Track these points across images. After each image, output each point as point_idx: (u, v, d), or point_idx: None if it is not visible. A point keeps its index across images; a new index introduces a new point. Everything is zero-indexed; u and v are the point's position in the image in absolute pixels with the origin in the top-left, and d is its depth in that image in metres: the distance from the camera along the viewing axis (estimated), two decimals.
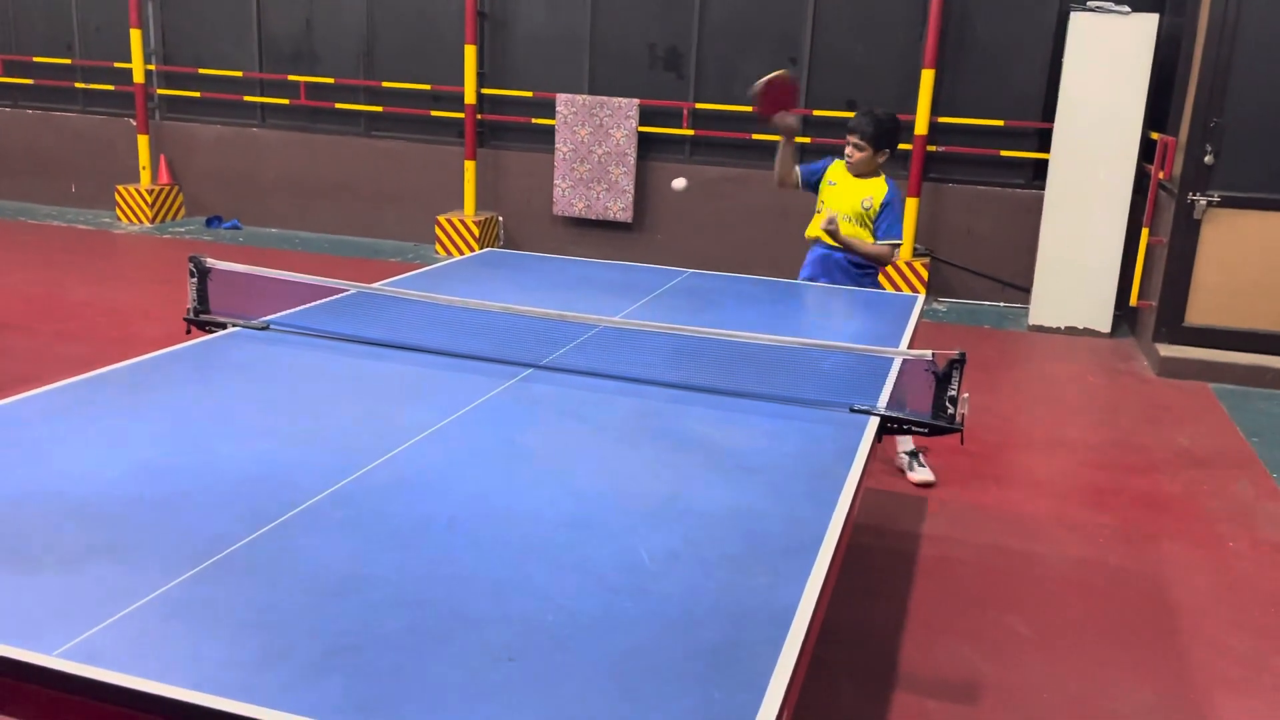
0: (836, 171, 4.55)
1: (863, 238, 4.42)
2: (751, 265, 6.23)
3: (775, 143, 4.62)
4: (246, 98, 9.67)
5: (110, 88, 9.98)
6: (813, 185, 4.58)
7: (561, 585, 1.65)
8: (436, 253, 8.94)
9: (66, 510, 1.81)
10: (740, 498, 2.04)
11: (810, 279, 4.50)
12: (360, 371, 2.70)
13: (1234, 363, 6.36)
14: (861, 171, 4.46)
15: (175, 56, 9.82)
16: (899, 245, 4.49)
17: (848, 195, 4.46)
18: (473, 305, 3.06)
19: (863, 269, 4.47)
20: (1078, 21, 7.06)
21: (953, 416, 2.52)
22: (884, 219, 4.41)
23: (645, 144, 8.63)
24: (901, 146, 7.93)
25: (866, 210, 4.41)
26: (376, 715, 1.31)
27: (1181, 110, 6.77)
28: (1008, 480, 4.68)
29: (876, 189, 4.44)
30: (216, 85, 9.72)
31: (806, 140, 7.63)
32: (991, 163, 8.04)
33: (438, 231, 8.86)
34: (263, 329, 2.97)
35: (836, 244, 4.40)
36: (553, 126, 8.73)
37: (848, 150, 4.46)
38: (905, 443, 4.57)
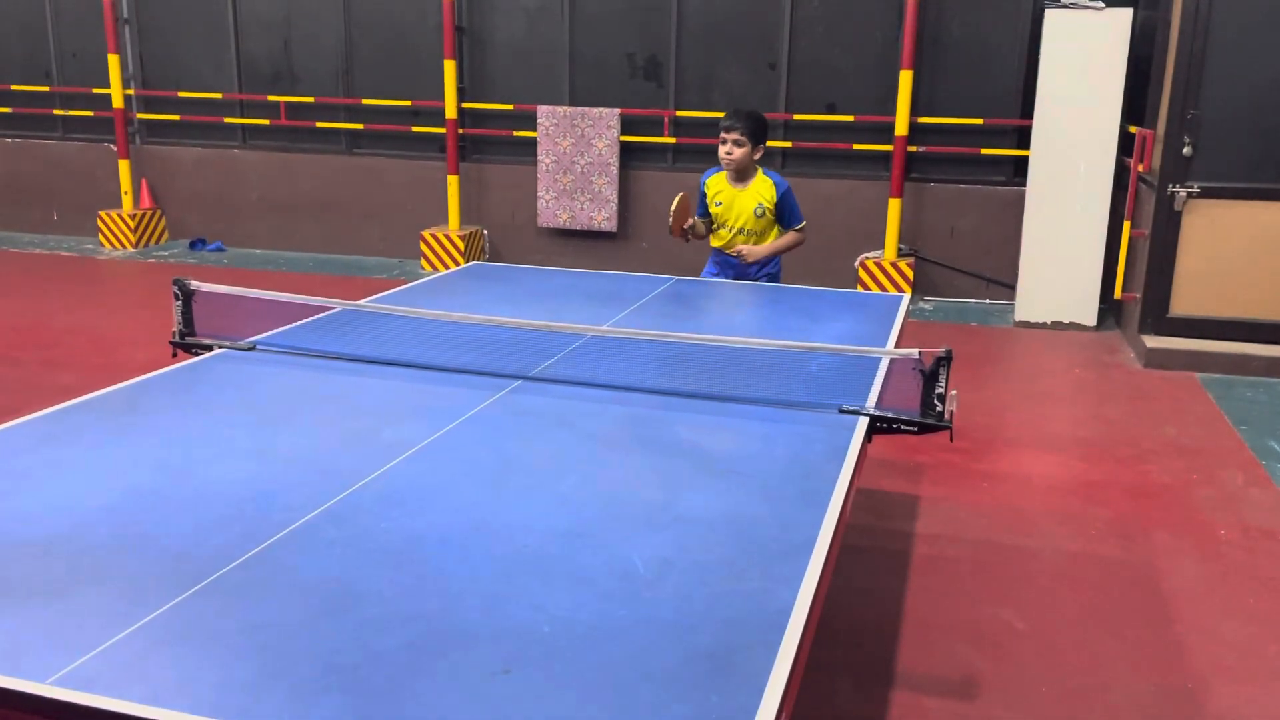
0: (715, 186, 4.59)
1: (768, 239, 4.57)
2: None
3: None
4: (227, 119, 9.65)
5: (89, 113, 9.95)
6: (706, 213, 4.64)
7: (555, 596, 1.65)
8: (422, 268, 8.94)
9: (58, 537, 1.80)
10: (732, 502, 2.05)
11: None
12: (348, 389, 2.69)
13: (1219, 352, 6.39)
14: (741, 167, 4.47)
15: (154, 80, 9.80)
16: (804, 225, 4.61)
17: (738, 206, 4.53)
18: (460, 319, 3.06)
19: (764, 269, 4.60)
20: (1053, 18, 7.11)
21: (941, 414, 2.53)
22: (786, 211, 4.54)
23: (627, 153, 8.65)
24: (882, 148, 8.11)
25: (760, 216, 4.51)
26: None
27: (1158, 103, 6.81)
28: (998, 476, 4.69)
29: (764, 191, 4.51)
30: (196, 108, 9.71)
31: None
32: (972, 161, 8.08)
33: (423, 246, 8.86)
34: (249, 349, 2.96)
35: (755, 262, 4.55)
36: (534, 138, 8.74)
37: (726, 149, 4.45)
38: None
